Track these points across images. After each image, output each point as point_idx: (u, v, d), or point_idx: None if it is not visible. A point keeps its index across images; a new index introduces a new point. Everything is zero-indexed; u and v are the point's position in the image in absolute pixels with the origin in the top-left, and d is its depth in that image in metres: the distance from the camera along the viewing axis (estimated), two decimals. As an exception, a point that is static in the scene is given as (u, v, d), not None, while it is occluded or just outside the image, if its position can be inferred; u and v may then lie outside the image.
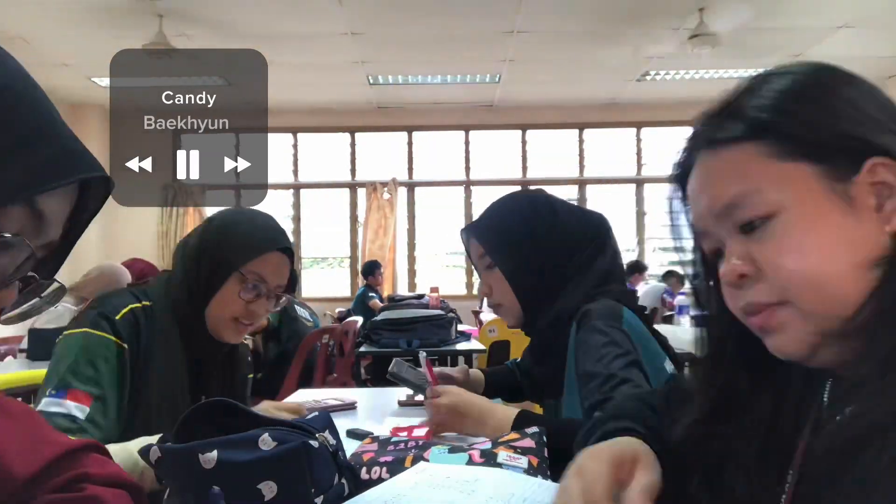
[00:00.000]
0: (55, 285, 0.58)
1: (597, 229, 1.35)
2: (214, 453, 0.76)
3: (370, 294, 6.37)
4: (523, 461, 1.06)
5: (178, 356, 1.24)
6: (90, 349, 1.13)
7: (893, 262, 0.56)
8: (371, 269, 6.61)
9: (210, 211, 7.42)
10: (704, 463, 0.65)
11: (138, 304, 1.22)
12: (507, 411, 1.22)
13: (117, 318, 1.18)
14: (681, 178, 0.68)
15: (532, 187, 1.49)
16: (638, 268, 6.68)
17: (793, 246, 0.58)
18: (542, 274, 1.28)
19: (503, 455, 1.05)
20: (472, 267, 1.43)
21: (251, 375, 1.48)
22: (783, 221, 0.58)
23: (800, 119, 0.59)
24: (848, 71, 0.63)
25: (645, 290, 6.48)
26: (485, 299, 1.46)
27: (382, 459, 1.02)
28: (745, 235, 0.60)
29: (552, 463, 1.03)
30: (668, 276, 6.66)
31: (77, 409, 1.08)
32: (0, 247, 0.50)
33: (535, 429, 1.11)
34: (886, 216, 0.57)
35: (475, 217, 1.44)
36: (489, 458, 1.04)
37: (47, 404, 1.08)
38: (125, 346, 1.16)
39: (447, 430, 1.29)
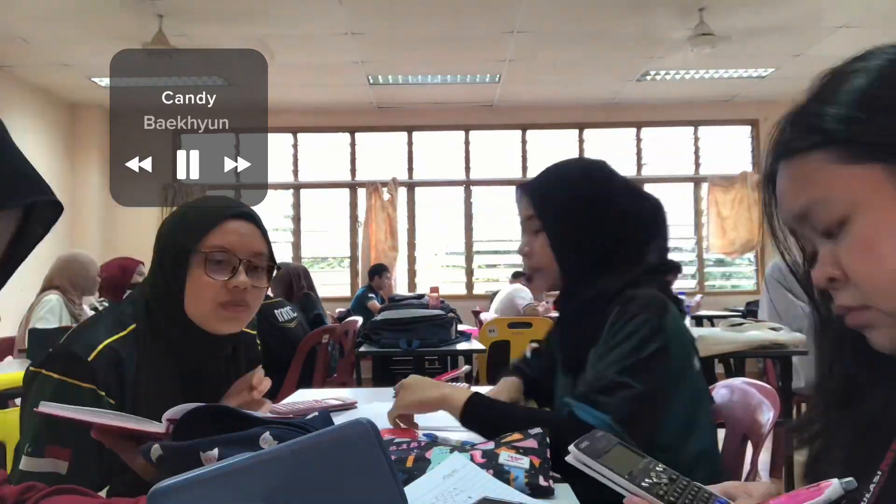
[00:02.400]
0: None
1: (653, 214, 1.31)
2: (216, 451, 0.76)
3: (369, 295, 6.36)
4: (525, 461, 1.06)
5: (169, 375, 1.14)
6: (66, 400, 1.01)
7: None
8: (378, 272, 6.60)
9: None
10: (808, 449, 0.67)
11: (115, 337, 1.11)
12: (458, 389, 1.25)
13: (90, 359, 1.06)
14: (770, 182, 0.68)
15: (590, 158, 1.47)
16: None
17: (865, 250, 0.57)
18: (590, 249, 1.26)
19: (505, 455, 1.05)
20: (521, 225, 1.37)
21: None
22: (857, 225, 0.58)
23: (869, 123, 0.58)
24: None
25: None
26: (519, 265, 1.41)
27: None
28: (829, 240, 0.60)
29: (555, 464, 1.03)
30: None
31: (56, 465, 1.00)
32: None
33: (538, 429, 1.11)
34: None
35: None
36: (490, 459, 1.04)
37: (26, 464, 1.01)
38: (102, 392, 1.06)
39: (404, 405, 1.29)
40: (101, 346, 1.08)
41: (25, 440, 1.04)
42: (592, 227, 1.26)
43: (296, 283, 4.32)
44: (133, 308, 1.17)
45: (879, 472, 0.59)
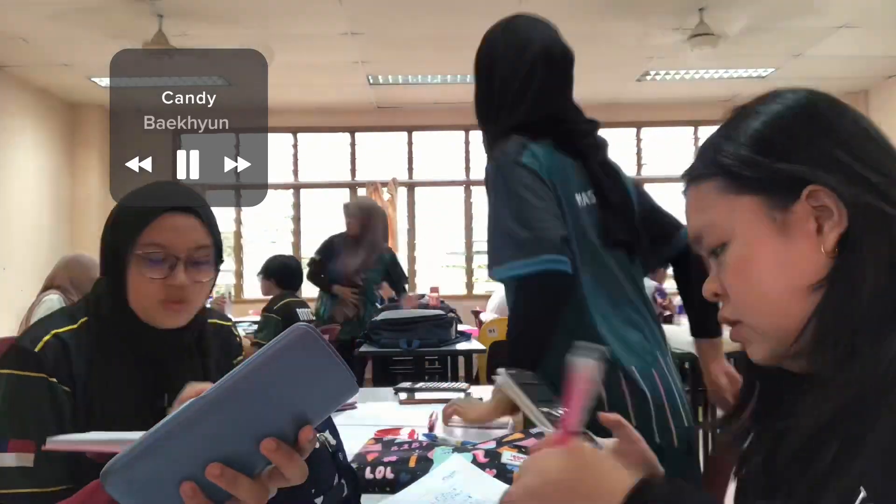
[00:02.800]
0: None
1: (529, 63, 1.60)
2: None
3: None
4: (527, 460, 1.06)
5: (127, 366, 1.11)
6: (19, 392, 1.02)
7: (832, 282, 0.60)
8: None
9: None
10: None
11: (64, 328, 1.09)
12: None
13: (37, 349, 1.04)
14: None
15: None
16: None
17: (739, 272, 0.65)
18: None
19: (507, 455, 1.06)
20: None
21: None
22: (733, 249, 0.65)
23: (752, 160, 0.65)
24: (808, 101, 0.67)
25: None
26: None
27: (386, 459, 1.02)
28: (716, 259, 0.68)
29: None
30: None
31: (21, 459, 0.98)
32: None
33: (538, 429, 1.11)
34: (824, 239, 0.61)
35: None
36: (493, 458, 1.04)
37: None
38: (53, 379, 1.04)
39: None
40: (47, 337, 1.06)
41: None
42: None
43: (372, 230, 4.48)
44: (85, 304, 1.16)
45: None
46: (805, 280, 0.61)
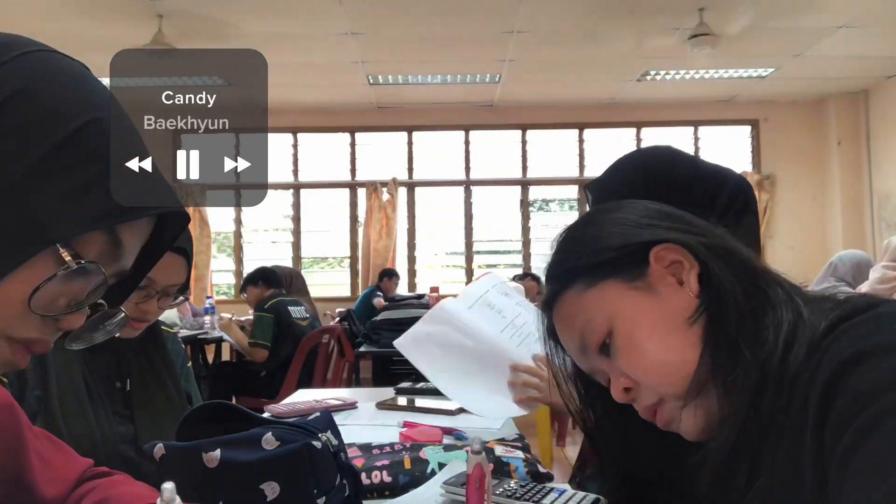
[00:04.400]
0: (121, 314, 0.58)
1: (733, 191, 1.10)
2: (218, 452, 0.76)
3: (378, 292, 6.39)
4: (519, 453, 1.07)
5: (81, 354, 1.16)
6: None
7: (706, 306, 0.66)
8: (389, 275, 6.70)
9: (210, 211, 7.44)
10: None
11: None
12: None
13: None
14: (551, 337, 0.78)
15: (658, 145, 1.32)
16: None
17: (632, 347, 0.67)
18: None
19: (499, 449, 1.07)
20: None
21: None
22: (619, 330, 0.68)
23: (579, 256, 0.72)
24: (607, 203, 0.78)
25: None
26: None
27: (379, 463, 1.02)
28: (608, 357, 0.69)
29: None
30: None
31: None
32: (78, 272, 0.50)
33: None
34: (688, 286, 0.67)
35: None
36: (487, 453, 1.05)
37: None
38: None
39: None
40: None
41: None
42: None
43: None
44: None
45: None
46: (683, 317, 0.66)
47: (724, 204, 1.10)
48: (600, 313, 0.68)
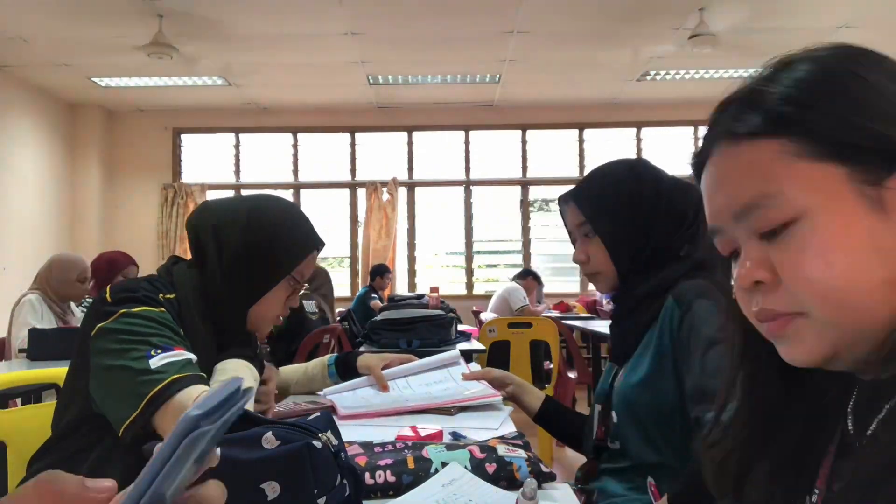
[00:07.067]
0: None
1: (699, 206, 1.25)
2: (218, 450, 0.76)
3: (372, 295, 6.37)
4: (521, 452, 1.07)
5: (210, 354, 1.20)
6: (159, 320, 1.13)
7: None
8: (380, 272, 6.63)
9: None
10: (729, 474, 0.63)
11: (168, 295, 1.19)
12: None
13: (160, 297, 1.17)
14: (698, 167, 0.61)
15: (630, 157, 1.47)
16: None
17: (817, 254, 0.51)
18: (644, 244, 1.26)
19: (501, 448, 1.07)
20: (569, 234, 1.38)
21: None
22: (807, 227, 0.52)
23: (827, 115, 0.53)
24: (878, 53, 0.56)
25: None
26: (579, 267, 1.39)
27: (383, 462, 1.01)
28: (764, 240, 0.54)
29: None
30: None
31: (187, 355, 1.11)
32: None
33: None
34: None
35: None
36: (490, 452, 1.05)
37: (163, 358, 1.08)
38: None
39: None
40: (159, 297, 1.18)
41: (148, 347, 1.09)
42: (645, 220, 1.26)
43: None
44: (178, 282, 1.24)
45: (816, 492, 0.57)
46: None
47: (696, 208, 1.22)
48: (800, 195, 0.52)
